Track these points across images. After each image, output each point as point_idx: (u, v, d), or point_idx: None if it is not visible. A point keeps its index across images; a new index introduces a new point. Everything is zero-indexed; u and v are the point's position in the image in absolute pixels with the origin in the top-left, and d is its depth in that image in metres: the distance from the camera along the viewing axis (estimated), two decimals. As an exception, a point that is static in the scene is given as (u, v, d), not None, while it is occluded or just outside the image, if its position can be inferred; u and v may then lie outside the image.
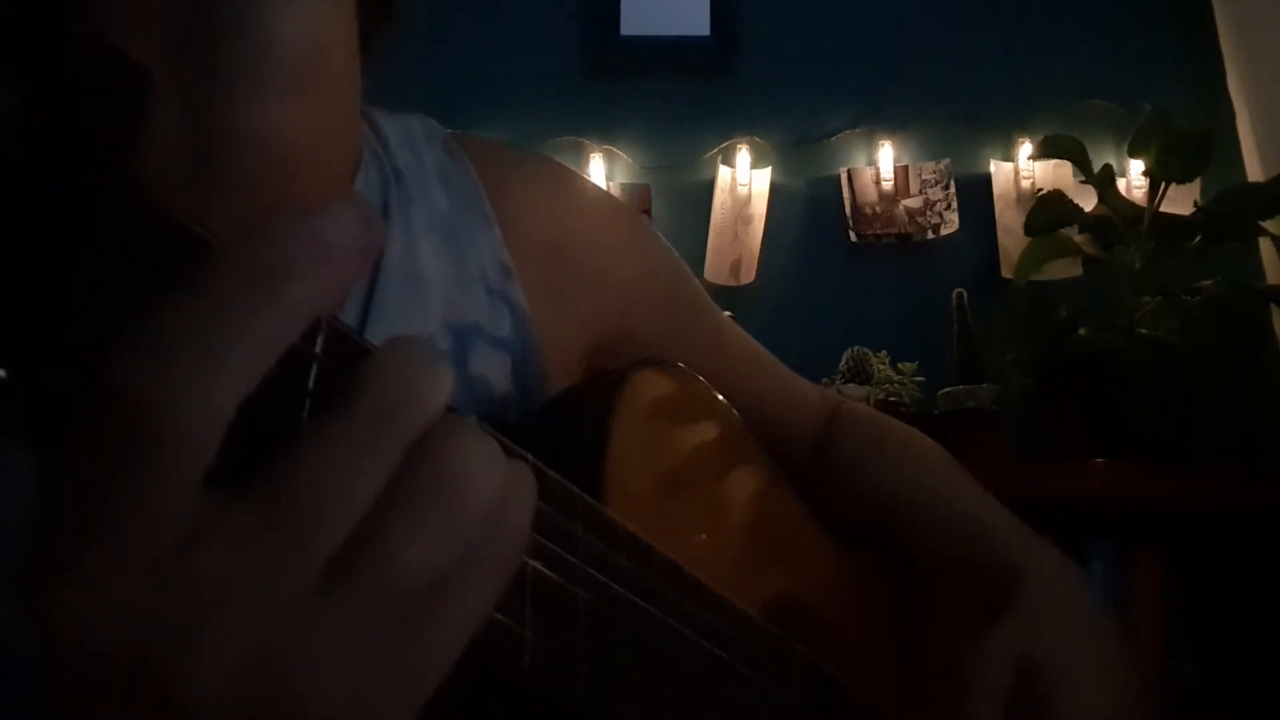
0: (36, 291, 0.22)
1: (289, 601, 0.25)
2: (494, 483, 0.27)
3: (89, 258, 0.23)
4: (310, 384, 0.26)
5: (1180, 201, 1.87)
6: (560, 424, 0.50)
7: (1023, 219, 1.96)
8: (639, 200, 2.16)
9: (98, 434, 0.23)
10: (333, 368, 0.26)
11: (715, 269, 2.15)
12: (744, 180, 2.17)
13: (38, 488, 0.24)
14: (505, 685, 0.32)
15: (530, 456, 0.33)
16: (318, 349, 0.26)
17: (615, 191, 2.15)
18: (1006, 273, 2.10)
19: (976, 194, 2.18)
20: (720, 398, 0.56)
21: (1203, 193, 1.97)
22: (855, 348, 1.97)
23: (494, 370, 0.57)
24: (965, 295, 2.02)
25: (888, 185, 2.17)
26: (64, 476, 0.24)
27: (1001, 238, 2.15)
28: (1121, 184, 2.04)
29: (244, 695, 0.24)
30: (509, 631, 0.31)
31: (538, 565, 0.33)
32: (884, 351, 1.98)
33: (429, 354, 0.27)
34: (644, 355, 0.52)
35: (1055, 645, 0.57)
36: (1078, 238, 1.94)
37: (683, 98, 2.23)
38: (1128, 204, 1.90)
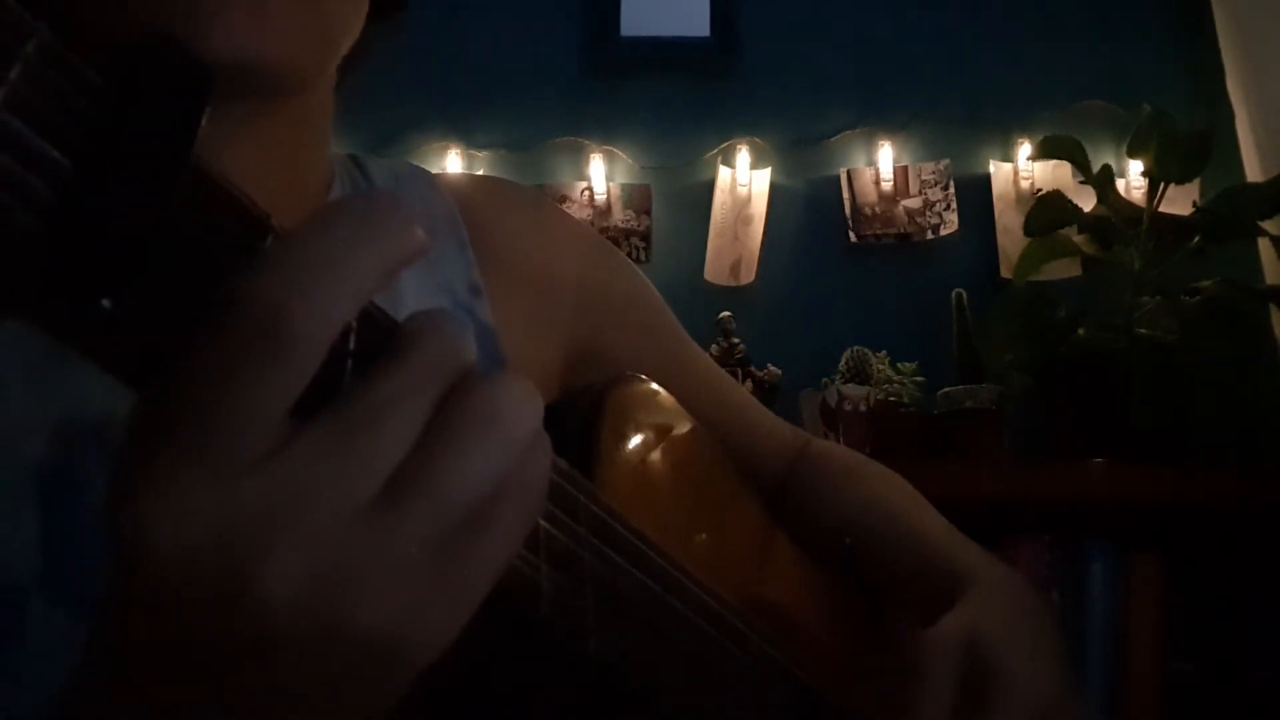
0: (130, 243, 0.25)
1: (352, 516, 0.28)
2: (531, 416, 0.31)
3: (172, 218, 0.26)
4: (351, 345, 0.29)
5: (1180, 202, 1.87)
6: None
7: (1022, 219, 1.96)
8: (639, 200, 2.16)
9: (221, 341, 0.26)
10: (367, 334, 0.30)
11: (715, 269, 2.15)
12: (744, 180, 2.17)
13: (138, 400, 0.27)
14: (524, 633, 0.35)
15: None
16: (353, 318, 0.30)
17: (615, 192, 2.15)
18: (1006, 273, 2.10)
19: (976, 194, 2.18)
20: (689, 415, 0.59)
21: (1202, 193, 1.97)
22: (855, 348, 1.97)
23: None
24: (965, 295, 2.02)
25: (887, 185, 2.17)
26: (170, 385, 0.26)
27: (1001, 238, 2.15)
28: (1121, 184, 2.04)
29: (313, 599, 0.27)
30: (528, 579, 0.34)
31: (549, 527, 0.35)
32: (884, 351, 1.98)
33: (454, 319, 0.31)
34: (619, 372, 0.55)
35: (999, 628, 0.60)
36: (1077, 238, 1.94)
37: (683, 98, 2.23)
38: (1127, 204, 1.90)
